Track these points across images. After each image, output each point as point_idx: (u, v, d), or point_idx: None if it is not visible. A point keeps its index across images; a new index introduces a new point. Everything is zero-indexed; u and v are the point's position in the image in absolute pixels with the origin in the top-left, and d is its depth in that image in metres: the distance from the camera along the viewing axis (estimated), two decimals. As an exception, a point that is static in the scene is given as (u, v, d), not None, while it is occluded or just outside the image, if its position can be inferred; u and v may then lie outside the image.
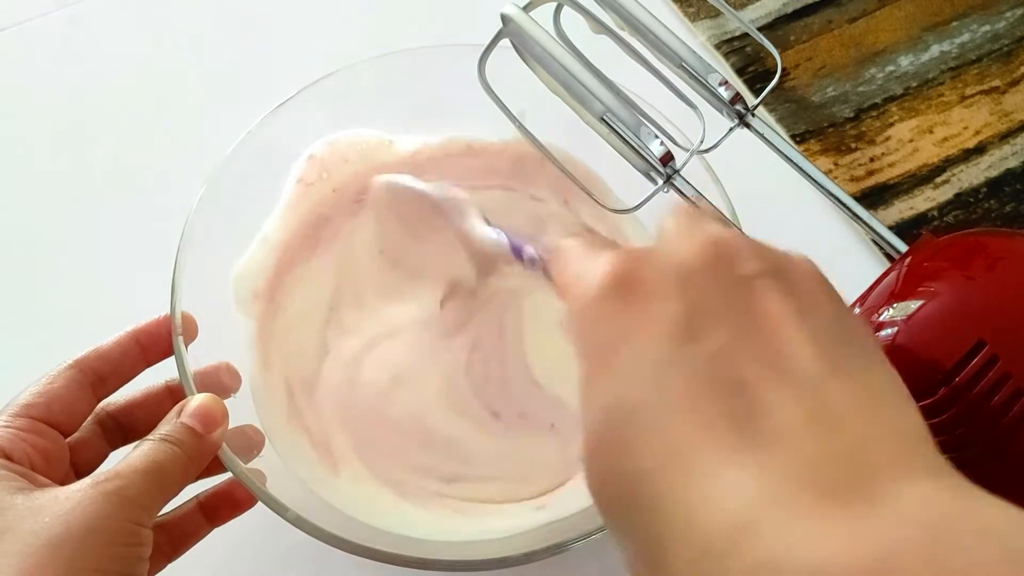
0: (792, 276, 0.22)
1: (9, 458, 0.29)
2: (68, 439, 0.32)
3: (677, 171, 0.32)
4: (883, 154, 0.51)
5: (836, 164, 0.50)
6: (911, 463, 0.19)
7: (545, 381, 0.42)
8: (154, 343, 0.35)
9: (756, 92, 0.53)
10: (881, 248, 0.42)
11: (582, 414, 0.22)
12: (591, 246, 0.25)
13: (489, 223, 0.40)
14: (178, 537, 0.34)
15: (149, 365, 0.35)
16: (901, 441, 0.19)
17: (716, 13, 0.56)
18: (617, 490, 0.20)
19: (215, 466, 0.33)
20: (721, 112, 0.34)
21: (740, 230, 0.26)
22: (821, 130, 0.52)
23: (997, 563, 0.16)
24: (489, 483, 0.40)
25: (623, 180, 0.35)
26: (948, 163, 0.50)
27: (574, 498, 0.38)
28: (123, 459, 0.30)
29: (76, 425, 0.33)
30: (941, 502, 0.17)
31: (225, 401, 0.33)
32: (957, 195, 0.49)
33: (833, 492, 0.18)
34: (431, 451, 0.40)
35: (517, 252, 0.37)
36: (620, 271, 0.22)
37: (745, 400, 0.19)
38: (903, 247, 0.31)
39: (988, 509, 0.17)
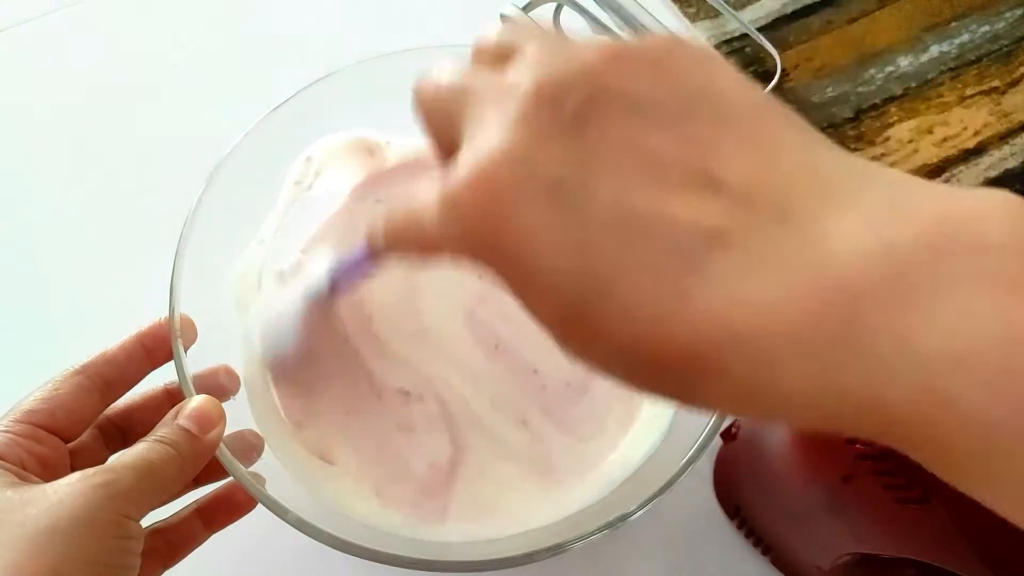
0: (611, 80, 0.20)
1: (2, 459, 0.29)
2: (68, 444, 0.32)
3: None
4: (883, 154, 0.51)
5: (836, 164, 0.50)
6: (831, 199, 0.19)
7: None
8: (158, 346, 0.35)
9: (755, 92, 0.52)
10: (881, 249, 0.42)
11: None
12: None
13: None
14: (176, 542, 0.34)
15: (154, 368, 0.35)
16: (814, 183, 0.19)
17: (716, 13, 0.56)
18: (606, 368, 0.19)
19: (215, 471, 0.33)
20: (721, 113, 0.34)
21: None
22: (820, 130, 0.51)
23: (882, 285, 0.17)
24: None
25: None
26: (948, 163, 0.50)
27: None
28: (115, 456, 0.30)
29: (80, 431, 0.32)
30: (855, 234, 0.18)
31: (224, 405, 0.33)
32: (957, 195, 0.49)
33: (763, 259, 0.18)
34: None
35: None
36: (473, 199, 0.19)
37: (670, 235, 0.18)
38: (903, 248, 0.31)
39: (887, 228, 0.17)
